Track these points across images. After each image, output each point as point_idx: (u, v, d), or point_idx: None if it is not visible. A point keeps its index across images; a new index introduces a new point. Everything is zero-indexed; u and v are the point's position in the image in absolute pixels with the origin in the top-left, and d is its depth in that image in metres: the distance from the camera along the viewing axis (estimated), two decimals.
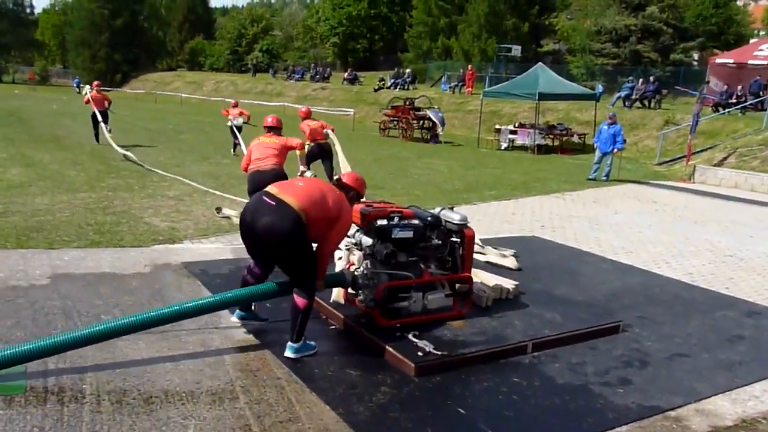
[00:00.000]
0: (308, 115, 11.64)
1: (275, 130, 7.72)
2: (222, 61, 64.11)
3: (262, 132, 7.88)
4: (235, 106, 17.30)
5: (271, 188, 4.46)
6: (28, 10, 79.76)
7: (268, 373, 4.27)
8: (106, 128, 15.91)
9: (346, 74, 43.19)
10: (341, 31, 53.97)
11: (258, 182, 6.75)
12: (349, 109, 30.85)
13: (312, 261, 4.40)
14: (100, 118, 16.19)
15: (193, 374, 4.16)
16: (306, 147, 10.30)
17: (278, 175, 6.91)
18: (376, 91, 36.55)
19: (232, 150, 16.01)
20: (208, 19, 76.36)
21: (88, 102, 16.45)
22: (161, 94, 48.71)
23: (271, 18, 71.20)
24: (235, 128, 15.79)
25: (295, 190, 4.40)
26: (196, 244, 7.30)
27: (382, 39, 54.69)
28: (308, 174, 7.90)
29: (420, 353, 4.48)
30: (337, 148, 11.16)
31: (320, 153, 11.24)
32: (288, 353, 4.46)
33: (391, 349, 4.54)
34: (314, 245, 4.47)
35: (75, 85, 51.62)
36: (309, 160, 10.51)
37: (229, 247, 7.22)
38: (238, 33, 64.51)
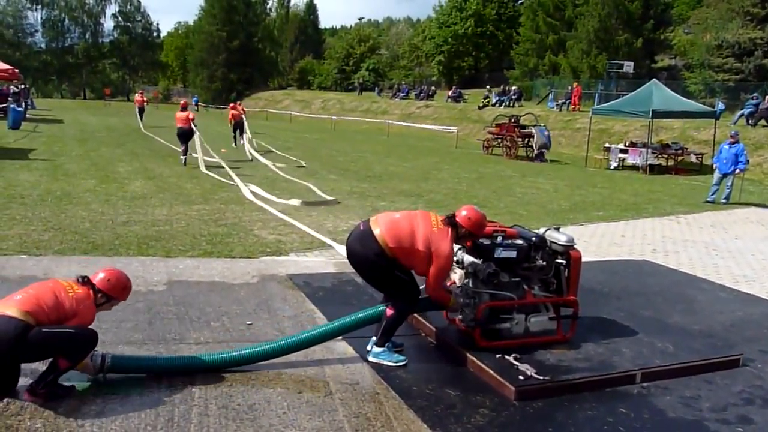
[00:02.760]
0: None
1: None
2: (330, 80, 66.17)
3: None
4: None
5: (373, 216, 4.75)
6: (155, 34, 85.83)
7: (367, 387, 4.31)
8: (242, 138, 21.17)
9: (450, 92, 43.27)
10: (447, 49, 54.21)
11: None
12: (452, 127, 30.84)
13: (401, 284, 4.57)
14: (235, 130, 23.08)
15: (294, 384, 4.27)
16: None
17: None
18: (480, 108, 36.35)
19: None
20: (317, 39, 79.32)
21: (233, 118, 22.99)
22: (272, 112, 50.70)
23: (378, 38, 72.73)
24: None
25: (386, 223, 4.59)
26: (301, 257, 7.52)
27: (488, 56, 54.43)
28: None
29: (521, 377, 4.38)
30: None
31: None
32: (369, 356, 4.69)
33: (491, 371, 4.46)
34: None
35: (194, 103, 54.69)
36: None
37: (332, 261, 7.38)
38: (345, 53, 66.37)
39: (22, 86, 35.67)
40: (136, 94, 35.08)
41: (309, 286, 6.34)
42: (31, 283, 4.18)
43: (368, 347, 4.72)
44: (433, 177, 16.21)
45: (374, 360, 4.64)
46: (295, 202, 11.00)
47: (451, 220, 4.62)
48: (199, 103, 54.28)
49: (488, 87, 40.26)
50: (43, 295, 3.78)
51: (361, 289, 6.41)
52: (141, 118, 30.32)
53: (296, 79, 71.16)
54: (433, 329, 5.20)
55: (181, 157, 16.07)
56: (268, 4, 79.62)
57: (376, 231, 4.51)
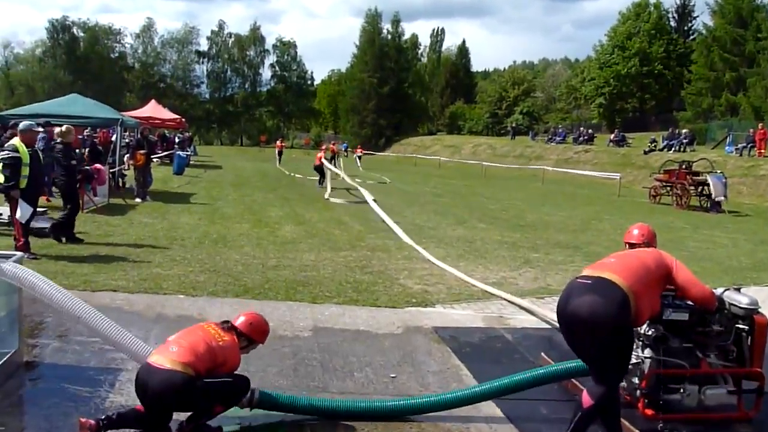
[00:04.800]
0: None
1: None
2: (481, 125, 66.59)
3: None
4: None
5: (586, 270, 4.29)
6: (309, 82, 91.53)
7: None
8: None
9: (612, 135, 41.84)
10: (608, 90, 52.71)
11: None
12: (614, 174, 29.69)
13: (627, 351, 4.10)
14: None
15: None
16: None
17: None
18: (646, 153, 34.75)
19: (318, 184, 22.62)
20: (469, 83, 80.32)
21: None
22: (421, 157, 51.73)
23: (533, 80, 72.34)
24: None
25: (608, 266, 4.18)
26: (447, 309, 7.51)
27: (654, 97, 52.19)
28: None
29: None
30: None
31: None
32: None
33: None
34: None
35: (343, 149, 57.31)
36: None
37: (480, 315, 7.30)
38: (498, 96, 66.63)
39: (187, 134, 39.41)
40: (277, 141, 47.11)
41: (455, 341, 6.30)
42: (186, 325, 4.54)
43: None
44: (592, 227, 15.65)
45: None
46: (368, 197, 11.04)
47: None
48: (348, 149, 56.62)
49: (655, 132, 38.40)
50: (197, 345, 4.05)
51: (511, 346, 6.27)
52: (279, 160, 39.32)
53: (446, 124, 72.35)
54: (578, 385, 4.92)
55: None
56: (419, 49, 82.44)
57: (606, 275, 4.06)
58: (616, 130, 43.47)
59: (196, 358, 3.97)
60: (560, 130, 48.98)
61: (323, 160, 24.49)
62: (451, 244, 11.99)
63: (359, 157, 48.18)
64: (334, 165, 25.78)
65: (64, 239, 9.98)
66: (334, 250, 10.82)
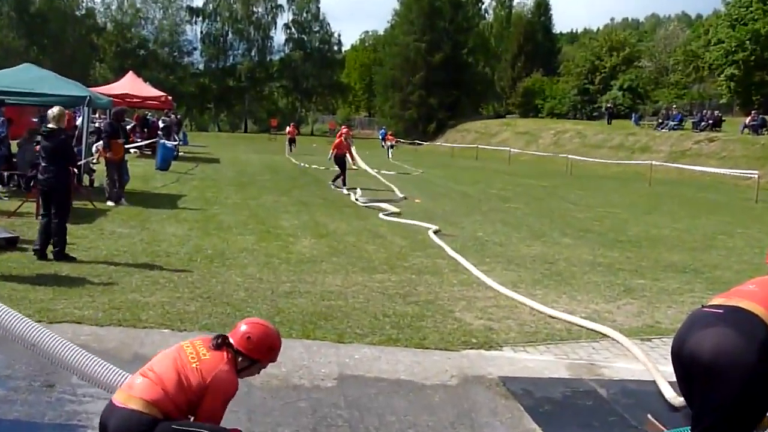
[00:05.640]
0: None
1: None
2: (566, 104, 66.20)
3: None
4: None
5: (716, 299, 4.23)
6: (335, 48, 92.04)
7: None
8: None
9: (747, 119, 41.14)
10: (742, 57, 51.68)
11: None
12: (751, 172, 29.17)
13: (763, 410, 4.00)
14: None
15: None
16: None
17: None
18: None
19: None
20: (550, 49, 79.85)
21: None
22: (484, 148, 51.63)
23: (638, 44, 71.34)
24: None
25: (754, 295, 4.05)
26: (519, 353, 7.46)
27: None
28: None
29: None
30: None
31: None
32: None
33: None
34: None
35: (380, 137, 57.60)
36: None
37: (564, 362, 7.24)
38: (590, 66, 66.09)
39: (175, 116, 40.05)
40: (288, 126, 49.91)
41: (530, 396, 6.26)
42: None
43: None
44: (719, 245, 15.40)
45: None
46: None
47: None
48: (387, 138, 56.80)
49: None
50: (166, 374, 4.02)
51: (607, 405, 6.20)
52: (291, 148, 42.21)
53: (519, 103, 72.11)
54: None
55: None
56: (483, 4, 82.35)
57: (745, 304, 3.99)
58: (753, 112, 42.72)
59: (164, 393, 3.95)
60: (675, 112, 48.38)
61: (352, 151, 25.12)
62: (525, 266, 11.91)
63: (391, 147, 48.46)
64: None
65: (51, 255, 10.30)
66: (367, 271, 10.85)
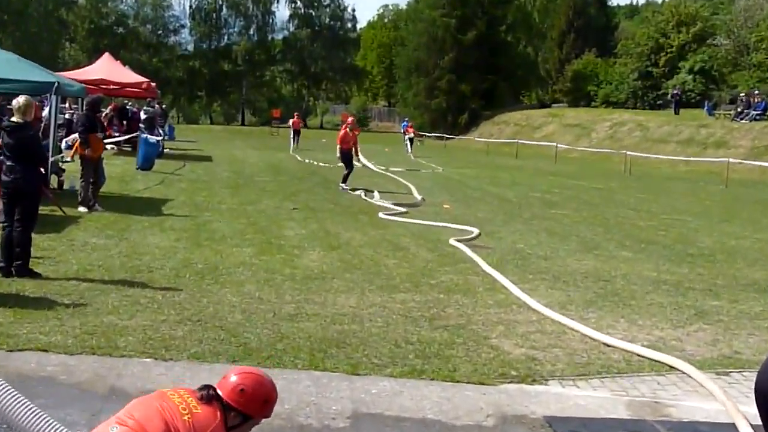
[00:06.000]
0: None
1: None
2: (624, 91, 65.94)
3: None
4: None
5: None
6: (348, 25, 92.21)
7: None
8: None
9: None
10: None
11: None
12: None
13: None
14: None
15: None
16: None
17: None
18: None
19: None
20: (605, 25, 79.52)
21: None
22: (526, 144, 51.54)
23: (712, 17, 70.72)
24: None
25: None
26: (568, 389, 7.42)
27: None
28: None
29: None
30: None
31: None
32: None
33: None
34: None
35: (402, 129, 57.50)
36: None
37: (623, 399, 7.20)
38: (653, 45, 65.71)
39: (158, 106, 40.25)
40: (294, 117, 50.47)
41: None
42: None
43: None
44: None
45: None
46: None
47: None
48: (407, 129, 56.87)
49: None
50: (152, 422, 4.00)
51: None
52: (296, 141, 44.47)
53: (567, 90, 71.84)
54: None
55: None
56: None
57: None
58: None
59: None
60: (758, 100, 47.96)
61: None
62: (575, 284, 11.88)
63: (411, 140, 48.57)
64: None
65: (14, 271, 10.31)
66: (386, 290, 10.84)
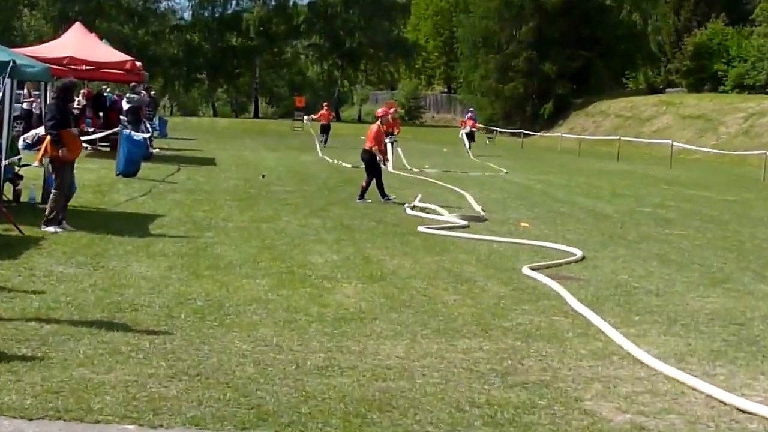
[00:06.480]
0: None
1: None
2: (765, 71, 65.06)
3: None
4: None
5: None
6: None
7: None
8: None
9: None
10: None
11: None
12: None
13: None
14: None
15: None
16: None
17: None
18: None
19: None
20: None
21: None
22: (631, 141, 51.23)
23: None
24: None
25: None
26: None
27: None
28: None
29: None
30: None
31: None
32: None
33: None
34: None
35: (468, 116, 57.11)
36: None
37: None
38: None
39: (145, 92, 40.42)
40: (322, 107, 51.53)
41: None
42: None
43: None
44: None
45: None
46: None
47: None
48: (476, 122, 56.71)
49: None
50: None
51: None
52: (325, 140, 45.71)
53: (687, 70, 71.27)
54: None
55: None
56: None
57: None
58: None
59: None
60: None
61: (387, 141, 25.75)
62: (698, 328, 11.82)
63: (470, 136, 48.67)
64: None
65: None
66: (444, 334, 10.83)
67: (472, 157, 43.67)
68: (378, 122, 25.11)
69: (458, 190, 27.82)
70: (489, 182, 31.82)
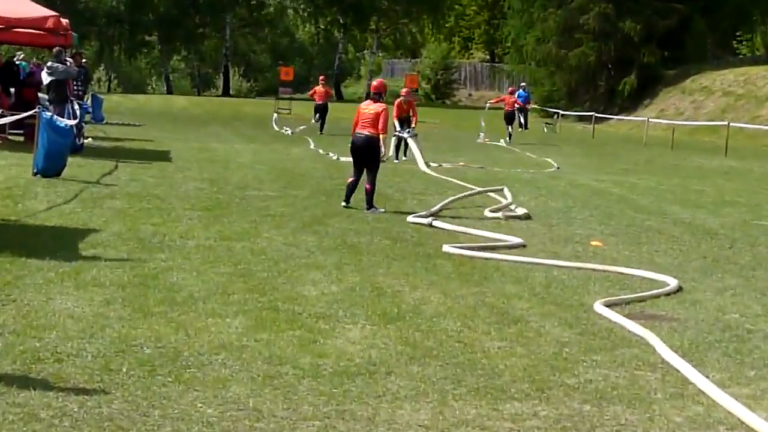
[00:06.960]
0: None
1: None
2: None
3: None
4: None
5: None
6: None
7: None
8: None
9: None
10: None
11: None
12: None
13: None
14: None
15: None
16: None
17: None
18: None
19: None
20: None
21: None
22: (743, 128, 51.27)
23: None
24: None
25: None
26: None
27: None
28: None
29: None
30: None
31: None
32: None
33: None
34: None
35: (520, 99, 57.12)
36: None
37: None
38: None
39: (74, 60, 40.51)
40: (319, 83, 55.35)
41: None
42: None
43: None
44: None
45: None
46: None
47: None
48: (528, 101, 56.77)
49: None
50: None
51: None
52: (321, 125, 49.42)
53: None
54: None
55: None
56: None
57: None
58: None
59: None
60: None
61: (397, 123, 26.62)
62: None
63: (510, 118, 49.29)
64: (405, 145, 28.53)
65: None
66: (486, 396, 10.81)
67: (504, 143, 43.80)
68: (384, 103, 25.21)
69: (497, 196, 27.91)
70: (546, 184, 31.81)
